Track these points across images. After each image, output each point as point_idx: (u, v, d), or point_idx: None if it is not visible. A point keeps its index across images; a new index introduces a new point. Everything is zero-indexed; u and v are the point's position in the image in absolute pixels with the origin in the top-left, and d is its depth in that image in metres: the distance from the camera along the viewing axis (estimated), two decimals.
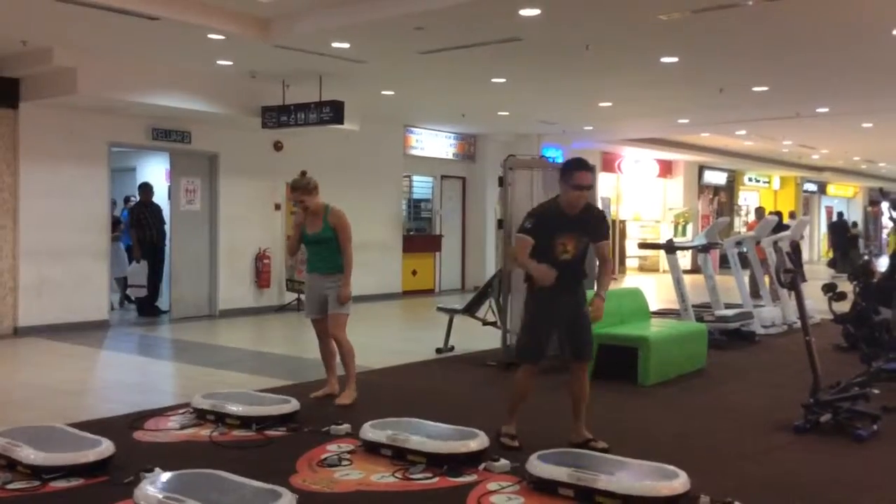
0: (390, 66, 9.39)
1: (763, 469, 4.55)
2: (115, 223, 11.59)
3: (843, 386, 5.63)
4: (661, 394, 6.53)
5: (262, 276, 11.77)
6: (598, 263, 4.98)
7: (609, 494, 3.75)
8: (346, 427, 5.06)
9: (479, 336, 8.50)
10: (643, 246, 13.96)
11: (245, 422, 5.14)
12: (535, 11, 6.90)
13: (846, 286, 8.45)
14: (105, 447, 4.29)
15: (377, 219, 13.78)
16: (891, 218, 13.81)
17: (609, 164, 19.57)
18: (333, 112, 9.86)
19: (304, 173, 6.07)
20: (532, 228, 4.74)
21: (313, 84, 9.98)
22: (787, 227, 12.10)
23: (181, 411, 5.57)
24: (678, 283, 9.05)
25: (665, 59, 8.93)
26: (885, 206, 24.40)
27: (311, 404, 5.74)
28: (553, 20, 7.22)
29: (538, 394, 6.34)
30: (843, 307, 8.47)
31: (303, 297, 11.67)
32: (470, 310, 8.47)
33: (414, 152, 14.86)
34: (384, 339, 9.49)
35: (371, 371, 7.13)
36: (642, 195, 21.56)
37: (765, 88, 10.81)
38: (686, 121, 14.31)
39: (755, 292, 11.21)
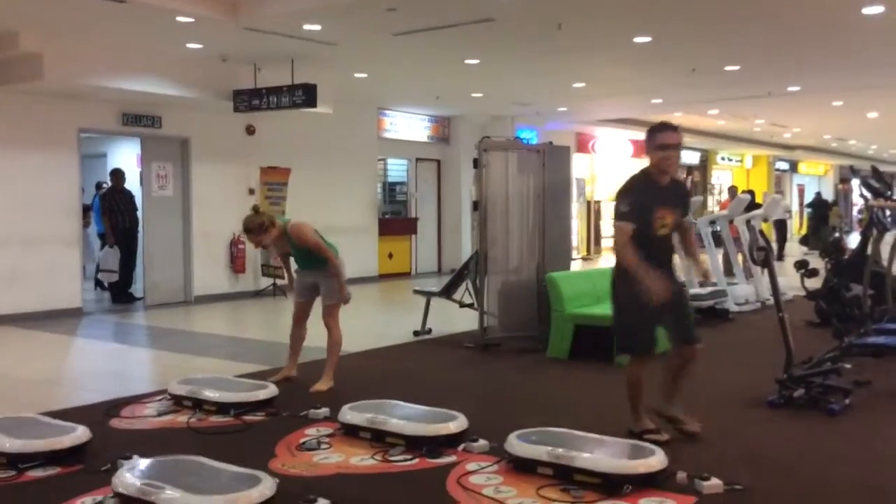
0: (363, 48, 9.33)
1: (738, 444, 4.62)
2: (86, 210, 11.44)
3: (816, 361, 5.71)
4: None
5: (236, 262, 11.70)
6: (679, 236, 4.68)
7: (588, 472, 3.78)
8: (324, 411, 5.06)
9: (456, 318, 8.52)
10: None
11: (223, 407, 5.12)
12: None
13: (818, 263, 8.57)
14: (80, 433, 4.26)
15: (352, 202, 13.73)
16: (861, 195, 13.99)
17: (583, 144, 19.62)
18: (306, 95, 9.77)
19: (255, 210, 5.79)
20: (630, 211, 4.36)
21: (285, 67, 9.88)
22: (759, 206, 12.21)
23: (158, 398, 5.54)
24: None
25: (638, 39, 8.95)
26: (855, 182, 24.72)
27: (289, 389, 5.72)
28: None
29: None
30: (816, 283, 8.60)
31: (279, 281, 11.65)
32: (447, 292, 8.49)
33: (388, 135, 14.79)
34: (361, 323, 9.46)
35: (349, 354, 7.10)
36: (617, 175, 21.60)
37: (737, 67, 10.87)
38: (659, 101, 14.37)
39: (728, 270, 11.32)
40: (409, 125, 15.26)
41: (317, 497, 3.51)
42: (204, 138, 11.27)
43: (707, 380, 6.39)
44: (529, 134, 16.91)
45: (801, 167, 30.84)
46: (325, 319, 5.95)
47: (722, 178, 26.59)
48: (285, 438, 4.61)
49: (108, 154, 13.39)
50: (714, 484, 3.77)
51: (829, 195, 29.62)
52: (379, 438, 4.49)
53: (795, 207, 29.06)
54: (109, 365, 7.40)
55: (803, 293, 8.69)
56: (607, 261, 17.86)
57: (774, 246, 16.29)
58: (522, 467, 4.00)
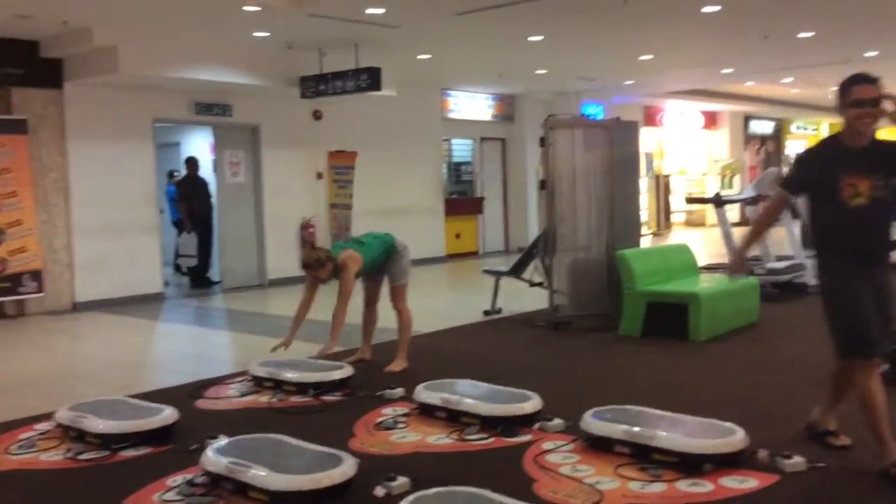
0: (426, 30, 9.33)
1: None
2: None
3: None
4: (712, 350, 6.50)
5: (307, 246, 11.90)
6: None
7: (666, 452, 3.76)
8: (399, 391, 5.14)
9: (526, 297, 8.52)
10: (691, 200, 13.78)
11: (301, 388, 5.25)
12: None
13: None
14: (169, 414, 4.43)
15: (418, 183, 13.81)
16: None
17: (651, 118, 19.27)
18: (370, 79, 9.85)
19: (311, 246, 5.92)
20: (793, 179, 3.88)
21: (349, 52, 9.96)
22: None
23: (239, 379, 5.71)
24: (727, 237, 8.93)
25: (706, 9, 8.72)
26: None
27: (364, 370, 5.83)
28: None
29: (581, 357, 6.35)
30: None
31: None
32: (516, 271, 8.48)
33: (452, 115, 14.79)
34: (431, 303, 9.55)
35: (421, 335, 7.19)
36: (687, 148, 21.20)
37: (811, 34, 10.50)
38: (730, 70, 13.99)
39: (806, 243, 11.00)
40: (472, 105, 15.23)
41: (396, 476, 3.58)
42: (273, 125, 11.48)
43: (787, 356, 6.28)
44: (595, 109, 16.68)
45: (880, 134, 29.61)
46: (393, 302, 6.04)
47: (797, 148, 25.76)
48: (363, 418, 4.71)
49: (182, 142, 13.75)
50: (797, 462, 3.71)
51: None
52: (454, 418, 4.54)
53: None
54: (191, 347, 7.65)
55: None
56: (679, 235, 17.56)
57: None
58: (599, 446, 4.00)
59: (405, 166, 13.50)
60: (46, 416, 4.75)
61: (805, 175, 3.83)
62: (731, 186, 20.57)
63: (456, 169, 15.59)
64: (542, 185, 7.73)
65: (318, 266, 5.65)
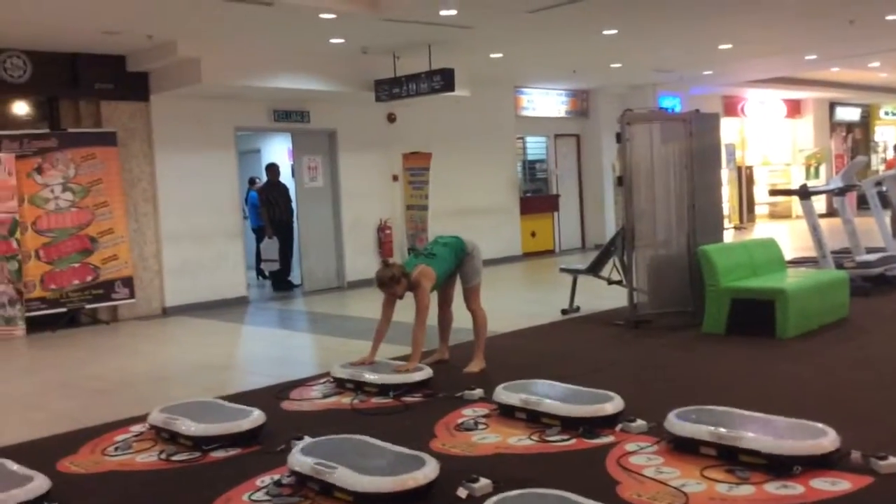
0: (498, 29, 9.32)
1: None
2: None
3: None
4: (801, 347, 6.30)
5: (384, 247, 12.04)
6: None
7: (754, 453, 3.66)
8: (479, 392, 5.16)
9: (604, 295, 8.42)
10: (775, 193, 13.36)
11: (382, 389, 5.33)
12: None
13: None
14: (257, 416, 4.55)
15: (493, 182, 13.81)
16: None
17: (732, 108, 18.76)
18: (444, 80, 9.90)
19: (385, 263, 5.90)
20: None
21: (423, 54, 10.03)
22: None
23: (322, 381, 5.83)
24: (815, 230, 8.63)
25: None
26: None
27: (443, 371, 5.87)
28: None
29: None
30: None
31: None
32: (594, 269, 8.39)
33: (525, 113, 14.72)
34: (509, 303, 9.53)
35: (498, 335, 7.20)
36: (770, 138, 20.56)
37: None
38: (814, 57, 13.51)
39: None
40: (546, 102, 15.13)
41: (479, 477, 3.60)
42: (349, 129, 11.66)
43: (879, 353, 6.04)
44: (673, 101, 16.34)
45: None
46: (467, 303, 6.06)
47: (886, 134, 24.68)
48: (443, 419, 4.74)
49: (262, 149, 14.11)
50: (892, 463, 3.57)
51: None
52: (534, 419, 4.53)
53: None
54: (275, 350, 7.84)
55: None
56: (764, 229, 17.07)
57: None
58: (683, 447, 3.93)
59: (479, 166, 13.52)
60: (140, 419, 4.95)
61: None
62: (816, 177, 19.86)
63: (531, 167, 15.52)
64: (620, 181, 7.62)
65: (393, 283, 5.67)
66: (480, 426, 4.58)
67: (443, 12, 8.17)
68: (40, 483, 3.66)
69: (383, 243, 12.06)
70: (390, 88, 10.48)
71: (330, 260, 11.72)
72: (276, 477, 3.86)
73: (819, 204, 16.39)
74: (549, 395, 4.64)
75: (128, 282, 9.50)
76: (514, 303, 9.61)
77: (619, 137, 7.43)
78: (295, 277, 11.91)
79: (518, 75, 13.62)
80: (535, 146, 15.49)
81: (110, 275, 9.38)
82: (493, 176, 13.81)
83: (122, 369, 7.03)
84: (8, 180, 8.69)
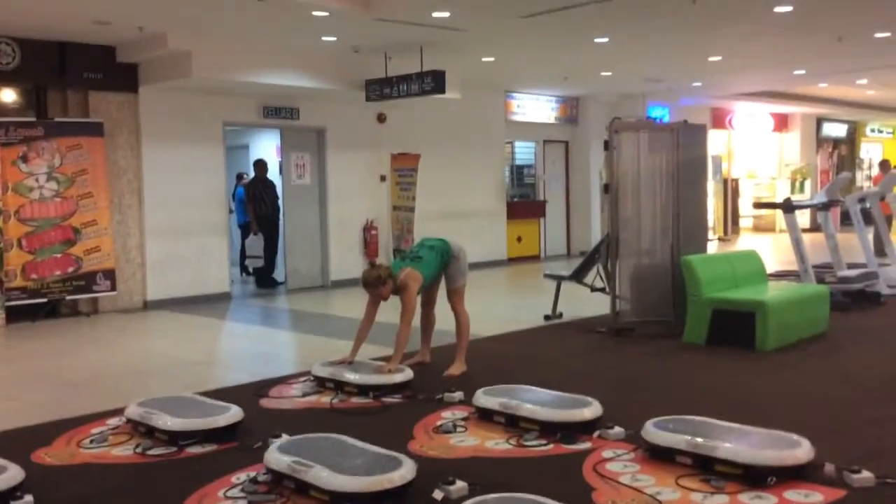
0: (491, 33, 9.34)
1: (891, 435, 4.38)
2: None
3: None
4: (780, 359, 6.34)
5: (369, 247, 12.03)
6: None
7: (729, 463, 3.69)
8: (459, 394, 5.17)
9: (587, 302, 8.46)
10: (759, 206, 13.46)
11: (362, 389, 5.32)
12: None
13: None
14: (234, 412, 4.54)
15: (480, 186, 13.83)
16: None
17: (720, 120, 18.89)
18: (435, 82, 9.91)
19: (371, 265, 5.94)
20: None
21: (414, 55, 10.04)
22: None
23: (302, 379, 5.81)
24: (797, 244, 8.70)
25: (779, 9, 8.51)
26: None
27: (424, 373, 5.87)
28: None
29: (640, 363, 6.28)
30: None
31: None
32: (578, 276, 8.43)
33: (515, 118, 14.76)
34: (492, 307, 9.55)
35: (481, 339, 7.20)
36: (756, 151, 20.71)
37: (887, 34, 10.14)
38: (802, 72, 13.62)
39: (880, 251, 10.66)
40: (536, 107, 15.17)
41: (455, 479, 3.60)
42: (338, 128, 11.65)
43: (857, 367, 6.09)
44: (661, 111, 16.44)
45: None
46: (451, 304, 6.06)
47: (872, 151, 24.93)
48: (422, 421, 4.75)
49: (250, 145, 14.06)
50: (865, 477, 3.61)
51: None
52: (513, 423, 4.54)
53: None
54: (256, 346, 7.81)
55: None
56: (747, 241, 17.17)
57: None
58: (660, 456, 3.95)
59: (468, 169, 13.54)
60: (118, 412, 4.92)
61: None
62: (801, 191, 20.01)
63: (518, 172, 15.56)
64: (606, 188, 7.66)
65: (380, 284, 5.67)
66: (459, 429, 4.58)
67: (436, 14, 8.18)
68: (14, 473, 3.64)
69: (369, 243, 12.04)
70: (381, 88, 10.48)
71: (315, 258, 11.69)
72: (253, 474, 3.85)
73: (803, 218, 16.52)
74: (528, 399, 4.65)
75: (109, 274, 9.44)
76: (498, 307, 9.63)
77: (606, 145, 7.47)
78: (279, 275, 11.87)
79: (509, 80, 13.65)
80: (524, 151, 15.53)
81: (92, 266, 9.31)
82: (480, 180, 13.83)
83: (100, 362, 6.98)
84: None
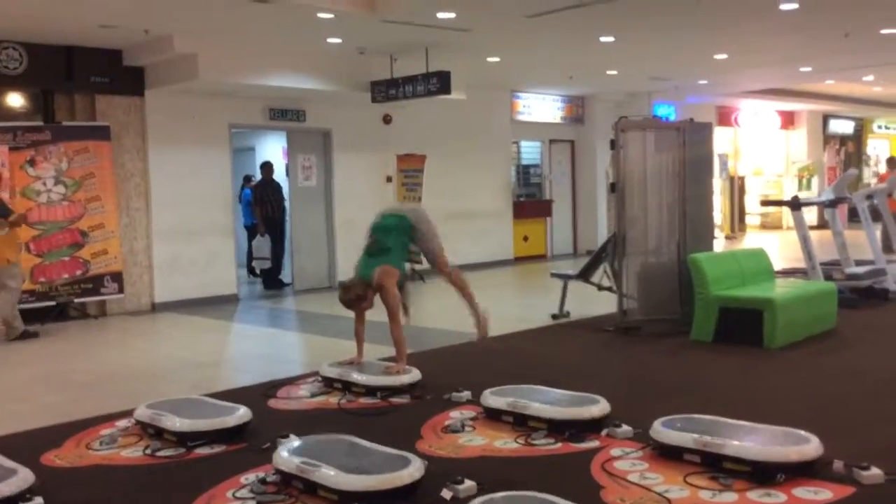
0: (496, 33, 9.34)
1: None
2: None
3: None
4: (788, 357, 6.32)
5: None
6: None
7: (737, 460, 3.68)
8: (466, 394, 5.17)
9: (594, 301, 8.44)
10: (766, 203, 13.42)
11: (370, 390, 5.33)
12: None
13: None
14: (243, 413, 4.55)
15: (487, 186, 13.83)
16: None
17: (726, 118, 18.84)
18: (440, 83, 9.91)
19: (343, 287, 5.81)
20: None
21: (420, 56, 10.05)
22: None
23: (310, 380, 5.82)
24: (805, 241, 8.67)
25: (784, 6, 8.49)
26: None
27: (431, 373, 5.86)
28: None
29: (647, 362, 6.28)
30: None
31: (416, 266, 11.92)
32: (584, 275, 8.41)
33: (521, 118, 14.75)
34: (499, 306, 9.51)
35: (488, 338, 7.20)
36: (763, 149, 20.65)
37: (894, 31, 10.10)
38: (809, 69, 13.58)
39: (888, 247, 10.62)
40: (542, 107, 15.16)
41: (463, 478, 3.60)
42: (344, 129, 11.67)
43: (865, 364, 6.07)
44: (668, 110, 16.42)
45: None
46: (444, 276, 5.95)
47: (879, 148, 24.83)
48: (430, 421, 4.75)
49: (257, 147, 14.09)
50: (874, 474, 3.59)
51: None
52: (521, 422, 4.54)
53: None
54: (264, 348, 7.83)
55: None
56: (754, 238, 17.13)
57: None
58: (668, 454, 3.94)
59: (474, 169, 13.54)
60: (127, 414, 4.94)
61: None
62: (808, 188, 19.95)
63: (524, 171, 15.55)
64: (613, 187, 7.65)
65: (360, 301, 5.63)
66: (467, 429, 4.58)
67: (441, 15, 8.19)
68: (24, 476, 3.65)
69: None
70: (386, 90, 10.49)
71: (321, 259, 11.71)
72: (261, 475, 3.86)
73: (810, 216, 16.46)
74: (535, 398, 4.65)
75: (117, 277, 9.48)
76: (505, 307, 9.62)
77: (613, 144, 7.46)
78: (286, 276, 11.89)
79: (515, 80, 13.64)
80: (530, 151, 15.52)
81: (100, 269, 9.35)
82: (486, 179, 13.83)
83: (109, 364, 7.01)
84: (0, 172, 8.66)
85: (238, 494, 3.68)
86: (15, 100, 9.28)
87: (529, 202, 15.16)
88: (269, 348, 7.79)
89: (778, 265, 9.13)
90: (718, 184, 16.58)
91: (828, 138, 21.91)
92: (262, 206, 11.67)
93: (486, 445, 4.31)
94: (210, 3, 7.53)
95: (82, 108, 9.53)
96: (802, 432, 3.86)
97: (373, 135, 12.04)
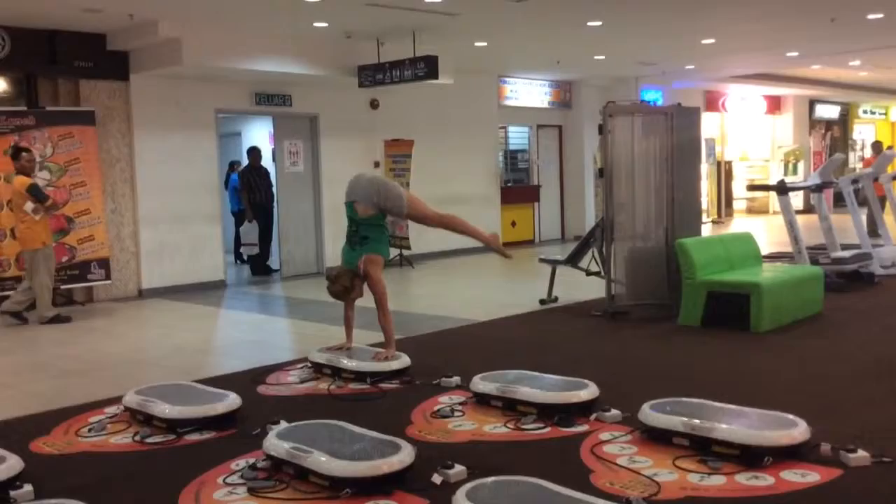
0: (483, 17, 9.30)
1: (886, 414, 4.41)
2: None
3: None
4: (775, 340, 6.37)
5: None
6: None
7: (726, 444, 3.71)
8: (456, 379, 5.18)
9: (582, 286, 8.47)
10: (753, 188, 13.46)
11: (360, 376, 5.33)
12: None
13: None
14: (232, 399, 4.54)
15: (474, 171, 13.81)
16: None
17: (713, 102, 18.88)
18: (428, 67, 9.87)
19: (329, 279, 5.71)
20: None
21: (407, 40, 10.00)
22: None
23: (299, 366, 5.82)
24: (791, 226, 8.72)
25: None
26: None
27: (420, 359, 5.87)
28: None
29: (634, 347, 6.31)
30: None
31: (405, 252, 11.93)
32: (573, 260, 8.43)
33: (509, 102, 14.72)
34: (487, 292, 9.57)
35: (476, 324, 7.22)
36: (749, 134, 20.71)
37: (880, 16, 10.14)
38: (795, 54, 13.62)
39: (873, 232, 10.70)
40: (529, 92, 15.14)
41: (454, 463, 3.62)
42: (331, 114, 11.60)
43: (852, 347, 6.13)
44: (655, 94, 16.42)
45: None
46: (428, 222, 5.84)
47: (865, 132, 24.96)
48: (420, 406, 4.76)
49: (243, 132, 13.99)
50: (861, 456, 3.63)
51: None
52: (510, 407, 4.56)
53: None
54: (252, 334, 7.81)
55: None
56: (741, 223, 17.21)
57: None
58: (657, 438, 3.97)
59: (461, 154, 13.51)
60: (115, 400, 4.92)
61: None
62: (794, 173, 20.05)
63: (512, 157, 15.53)
64: (601, 172, 7.65)
65: (349, 292, 5.61)
66: (457, 414, 4.60)
67: None
68: (13, 463, 3.64)
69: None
70: (374, 74, 10.43)
71: (309, 245, 11.67)
72: (252, 461, 3.86)
73: (796, 200, 16.56)
74: (524, 383, 4.66)
75: (104, 263, 9.41)
76: (493, 292, 9.64)
77: (601, 129, 7.46)
78: (273, 262, 11.86)
79: (502, 64, 13.60)
80: (518, 136, 15.50)
81: (86, 256, 9.28)
82: (474, 165, 13.81)
83: (97, 351, 6.98)
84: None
85: (229, 480, 3.68)
86: None
87: (517, 187, 15.16)
88: (258, 334, 7.77)
89: (765, 250, 9.18)
90: (705, 169, 16.63)
91: (814, 123, 22.00)
92: (250, 191, 11.60)
93: (475, 430, 4.33)
94: None
95: (66, 93, 9.42)
96: (790, 416, 3.90)
97: (360, 120, 11.99)
